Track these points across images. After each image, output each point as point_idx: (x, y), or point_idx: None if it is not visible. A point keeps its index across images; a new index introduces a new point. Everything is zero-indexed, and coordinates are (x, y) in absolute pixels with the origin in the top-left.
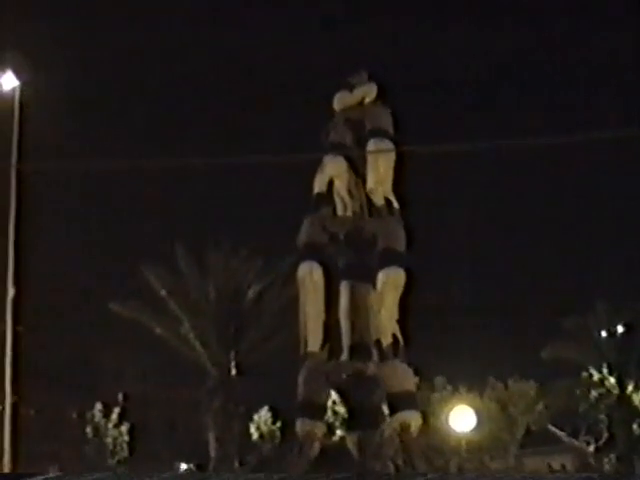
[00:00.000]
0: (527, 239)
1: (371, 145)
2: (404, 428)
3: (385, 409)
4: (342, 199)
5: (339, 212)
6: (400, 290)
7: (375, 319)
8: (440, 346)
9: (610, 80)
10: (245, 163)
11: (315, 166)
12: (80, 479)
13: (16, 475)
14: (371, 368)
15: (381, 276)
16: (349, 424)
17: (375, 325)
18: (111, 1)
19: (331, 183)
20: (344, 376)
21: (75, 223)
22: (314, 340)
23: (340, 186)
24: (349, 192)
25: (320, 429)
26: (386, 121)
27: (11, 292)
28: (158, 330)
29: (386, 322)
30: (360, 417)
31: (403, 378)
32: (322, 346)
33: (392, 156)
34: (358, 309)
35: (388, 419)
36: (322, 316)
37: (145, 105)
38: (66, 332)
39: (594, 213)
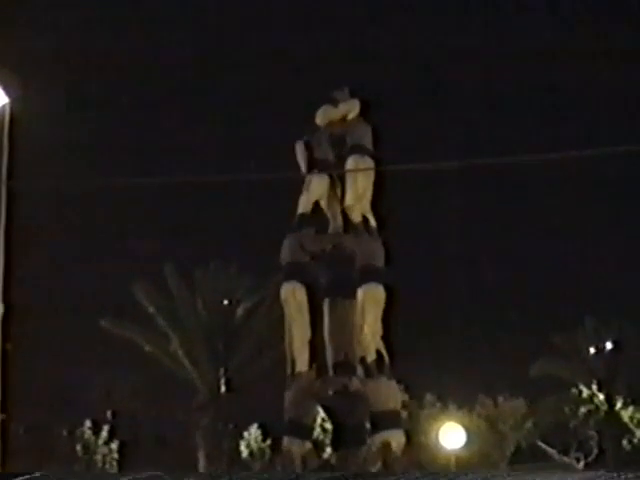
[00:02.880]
0: (512, 256)
1: (351, 161)
2: (386, 446)
3: (369, 427)
4: (324, 217)
5: (321, 230)
6: (381, 306)
7: (358, 336)
8: (430, 363)
9: (598, 96)
10: (233, 180)
11: (301, 183)
12: (65, 477)
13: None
14: (355, 385)
15: (360, 292)
16: (334, 441)
17: (359, 342)
18: (101, 18)
19: (315, 201)
20: (330, 393)
21: (65, 240)
22: (301, 360)
23: (323, 204)
24: (330, 210)
25: (307, 448)
26: (367, 138)
27: (0, 309)
28: (147, 347)
29: (369, 338)
30: (345, 434)
31: (387, 396)
32: (310, 365)
33: (371, 173)
34: (342, 326)
35: (371, 437)
36: (308, 335)
37: (134, 123)
38: (55, 349)
39: (582, 230)
